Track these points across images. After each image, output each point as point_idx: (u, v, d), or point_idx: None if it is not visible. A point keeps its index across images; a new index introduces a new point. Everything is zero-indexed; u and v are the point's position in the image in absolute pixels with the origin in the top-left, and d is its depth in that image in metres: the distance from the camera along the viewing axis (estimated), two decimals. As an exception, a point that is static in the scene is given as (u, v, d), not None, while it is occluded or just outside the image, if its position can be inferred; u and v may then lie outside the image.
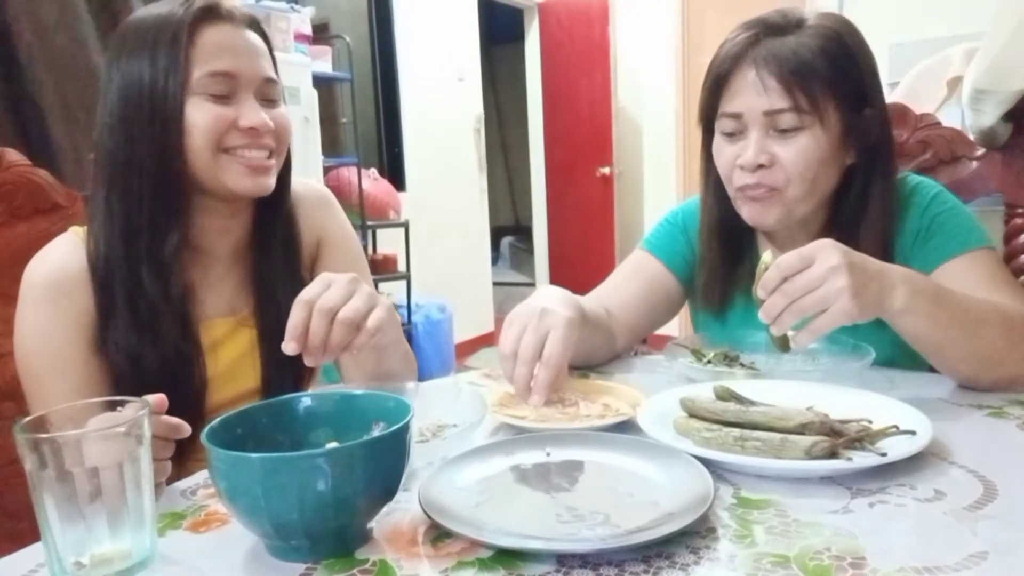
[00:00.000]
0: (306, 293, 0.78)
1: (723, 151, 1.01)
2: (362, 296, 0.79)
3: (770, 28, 0.97)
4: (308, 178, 1.16)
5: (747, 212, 1.02)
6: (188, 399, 0.75)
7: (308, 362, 0.78)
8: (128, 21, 0.91)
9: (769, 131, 0.96)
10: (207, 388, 0.92)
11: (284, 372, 0.97)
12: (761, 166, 0.96)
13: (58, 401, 0.80)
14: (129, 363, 0.87)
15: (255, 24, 0.94)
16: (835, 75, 0.94)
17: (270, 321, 0.96)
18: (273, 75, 0.93)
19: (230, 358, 0.95)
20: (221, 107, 0.88)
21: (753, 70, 0.95)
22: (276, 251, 0.99)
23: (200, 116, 0.87)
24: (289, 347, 0.77)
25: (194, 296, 0.93)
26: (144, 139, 0.86)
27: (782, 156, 0.96)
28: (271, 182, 0.93)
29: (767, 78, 0.94)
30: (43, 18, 2.04)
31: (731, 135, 1.00)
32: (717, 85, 1.00)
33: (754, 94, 0.95)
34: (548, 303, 0.87)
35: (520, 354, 0.83)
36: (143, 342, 0.87)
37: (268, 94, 0.93)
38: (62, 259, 0.88)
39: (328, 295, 0.78)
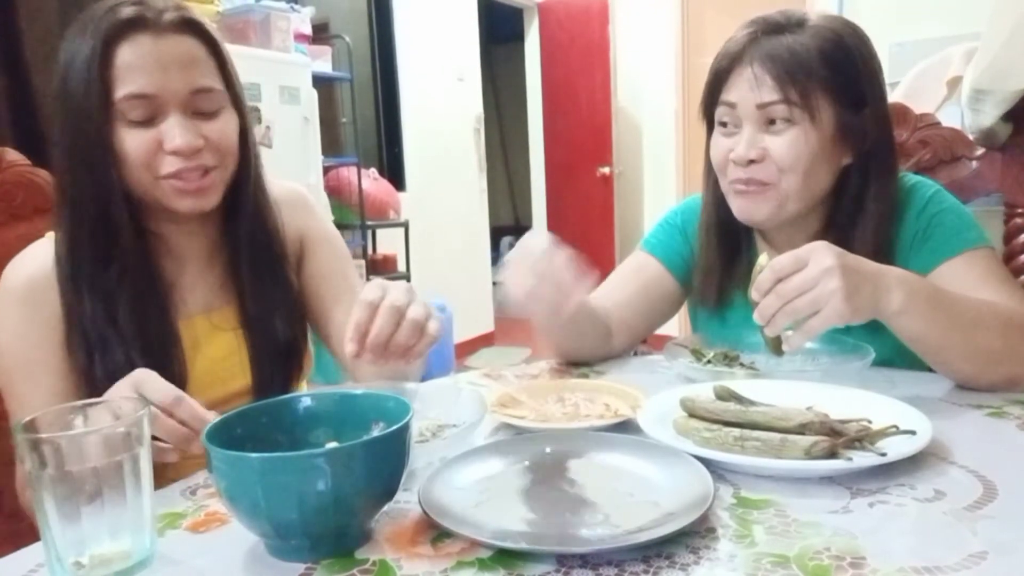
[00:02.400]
0: (368, 294, 0.75)
1: (718, 144, 1.03)
2: (419, 303, 0.77)
3: (769, 26, 0.98)
4: (307, 178, 1.16)
5: (738, 206, 1.02)
6: None
7: (366, 361, 0.75)
8: (71, 25, 0.85)
9: (761, 125, 0.97)
10: (188, 385, 0.90)
11: (274, 372, 0.97)
12: (752, 161, 0.97)
13: (33, 404, 0.82)
14: (102, 362, 0.85)
15: (191, 26, 0.86)
16: (830, 74, 0.95)
17: (253, 321, 0.96)
18: (206, 83, 0.86)
19: (214, 357, 0.94)
20: (145, 131, 0.84)
21: (750, 67, 0.97)
22: (250, 252, 0.96)
23: (126, 145, 0.84)
24: (349, 347, 0.73)
25: (171, 293, 0.93)
26: (81, 163, 0.84)
27: (772, 149, 0.97)
28: (212, 199, 0.89)
29: (761, 74, 0.96)
30: (48, 17, 2.04)
31: (726, 127, 1.01)
32: (717, 81, 1.02)
33: (748, 89, 0.97)
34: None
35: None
36: (113, 340, 0.86)
37: (201, 106, 0.86)
38: (36, 263, 0.87)
39: (392, 295, 0.75)
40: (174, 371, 0.89)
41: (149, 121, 0.84)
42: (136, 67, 0.82)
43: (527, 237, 0.90)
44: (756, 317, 0.79)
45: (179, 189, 0.86)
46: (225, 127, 0.89)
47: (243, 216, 0.96)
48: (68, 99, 0.83)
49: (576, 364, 1.08)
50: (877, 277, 0.78)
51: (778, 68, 0.95)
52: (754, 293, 0.79)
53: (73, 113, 0.83)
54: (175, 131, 0.84)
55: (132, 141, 0.84)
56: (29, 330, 0.86)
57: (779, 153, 0.96)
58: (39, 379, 0.86)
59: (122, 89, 0.82)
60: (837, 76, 0.96)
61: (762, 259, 0.81)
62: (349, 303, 1.00)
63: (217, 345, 0.95)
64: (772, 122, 0.97)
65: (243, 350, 0.96)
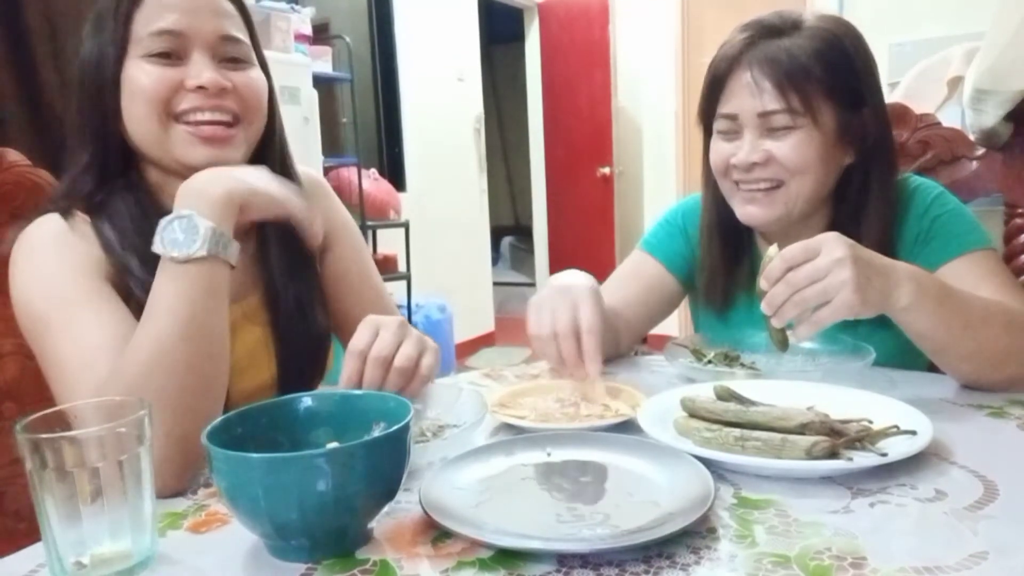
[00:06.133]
0: (357, 343, 0.77)
1: (718, 148, 1.03)
2: (412, 342, 0.79)
3: (766, 30, 0.98)
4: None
5: (747, 211, 1.02)
6: None
7: None
8: None
9: (763, 131, 0.97)
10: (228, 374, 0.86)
11: (300, 365, 0.95)
12: (755, 164, 0.97)
13: (92, 333, 0.75)
14: None
15: None
16: (829, 76, 0.95)
17: (280, 314, 0.93)
18: (235, 33, 0.86)
19: (245, 347, 0.90)
20: (166, 68, 0.82)
21: (748, 72, 0.96)
22: (277, 239, 0.93)
23: (141, 78, 0.82)
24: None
25: None
26: (87, 109, 0.84)
27: (777, 153, 0.96)
28: (233, 155, 0.85)
29: (761, 80, 0.95)
30: (58, 21, 2.03)
31: (727, 134, 1.01)
32: (714, 87, 1.01)
33: (748, 96, 0.96)
34: (566, 281, 0.90)
35: (560, 330, 0.85)
36: None
37: (229, 53, 0.86)
38: (63, 223, 0.83)
39: (380, 344, 0.77)
40: None
41: (172, 58, 0.83)
42: (168, 5, 0.82)
43: (557, 280, 0.92)
44: (764, 307, 0.78)
45: (192, 134, 0.83)
46: (254, 79, 0.88)
47: None
48: (87, 48, 0.83)
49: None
50: (888, 271, 0.78)
51: (778, 74, 0.94)
52: (763, 282, 0.78)
53: (89, 58, 0.83)
54: (200, 68, 0.83)
55: (150, 76, 0.82)
56: (76, 262, 0.80)
57: (785, 156, 0.96)
58: (99, 306, 0.78)
59: (150, 26, 0.82)
60: (836, 78, 0.95)
61: (771, 250, 0.81)
62: (369, 301, 1.00)
63: (246, 335, 0.91)
64: (774, 128, 0.96)
65: (269, 342, 0.93)
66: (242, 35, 0.88)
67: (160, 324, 0.71)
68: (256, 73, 0.89)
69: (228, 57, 0.86)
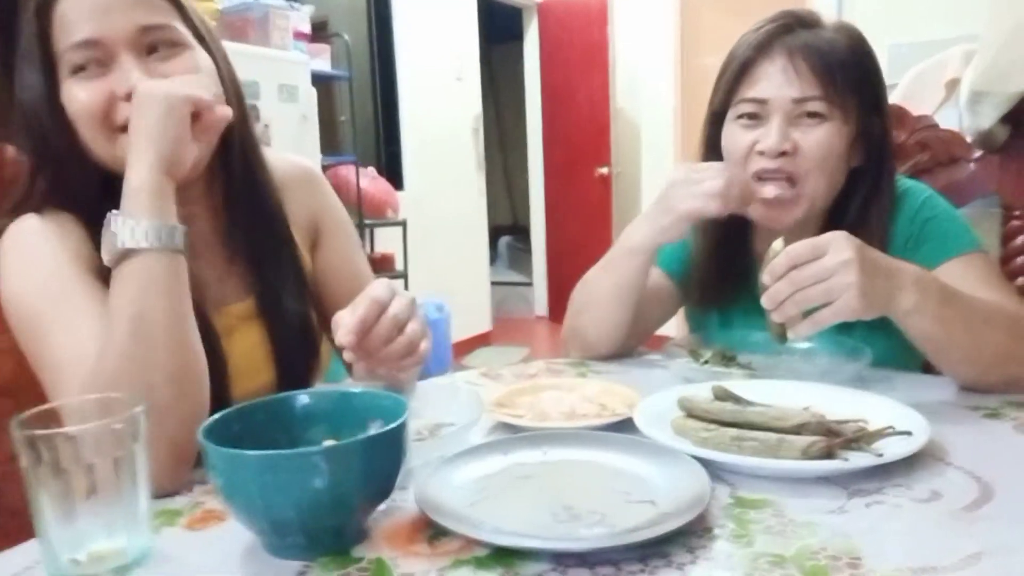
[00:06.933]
0: (377, 293, 0.73)
1: (739, 135, 1.00)
2: (418, 320, 0.76)
3: (797, 20, 0.99)
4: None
5: (763, 215, 1.00)
6: (214, 387, 0.74)
7: (351, 356, 0.74)
8: None
9: (792, 119, 0.96)
10: (230, 377, 0.85)
11: (297, 364, 0.93)
12: (783, 153, 0.96)
13: (83, 330, 0.74)
14: None
15: None
16: (860, 75, 0.97)
17: (274, 311, 0.91)
18: (155, 20, 0.78)
19: (245, 347, 0.89)
20: (95, 81, 0.77)
21: (784, 57, 0.96)
22: (258, 237, 0.90)
23: (75, 98, 0.77)
24: (348, 338, 0.71)
25: (196, 283, 0.84)
26: (43, 144, 0.80)
27: (803, 144, 0.96)
28: (193, 148, 0.78)
29: (800, 65, 0.95)
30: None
31: (750, 120, 0.99)
32: (739, 73, 1.00)
33: (784, 82, 0.96)
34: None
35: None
36: None
37: (156, 43, 0.78)
38: (43, 220, 0.80)
39: (397, 305, 0.74)
40: (215, 362, 0.80)
41: (101, 71, 0.77)
42: (76, 15, 0.76)
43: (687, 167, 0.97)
44: (764, 302, 0.78)
45: None
46: (191, 62, 0.81)
47: (243, 190, 0.89)
48: (15, 82, 0.79)
49: (574, 364, 1.08)
50: (894, 274, 0.77)
51: (821, 60, 0.95)
52: (766, 277, 0.78)
53: (22, 93, 0.79)
54: (126, 73, 0.76)
55: (82, 93, 0.77)
56: (65, 257, 0.78)
57: (810, 148, 0.95)
58: (91, 299, 0.76)
59: (67, 40, 0.76)
60: (865, 78, 0.97)
61: (777, 244, 0.81)
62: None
63: (246, 336, 0.90)
64: (804, 116, 0.96)
65: (265, 343, 0.91)
66: (167, 18, 0.80)
67: (117, 328, 0.70)
68: (193, 55, 0.81)
69: (157, 48, 0.79)
